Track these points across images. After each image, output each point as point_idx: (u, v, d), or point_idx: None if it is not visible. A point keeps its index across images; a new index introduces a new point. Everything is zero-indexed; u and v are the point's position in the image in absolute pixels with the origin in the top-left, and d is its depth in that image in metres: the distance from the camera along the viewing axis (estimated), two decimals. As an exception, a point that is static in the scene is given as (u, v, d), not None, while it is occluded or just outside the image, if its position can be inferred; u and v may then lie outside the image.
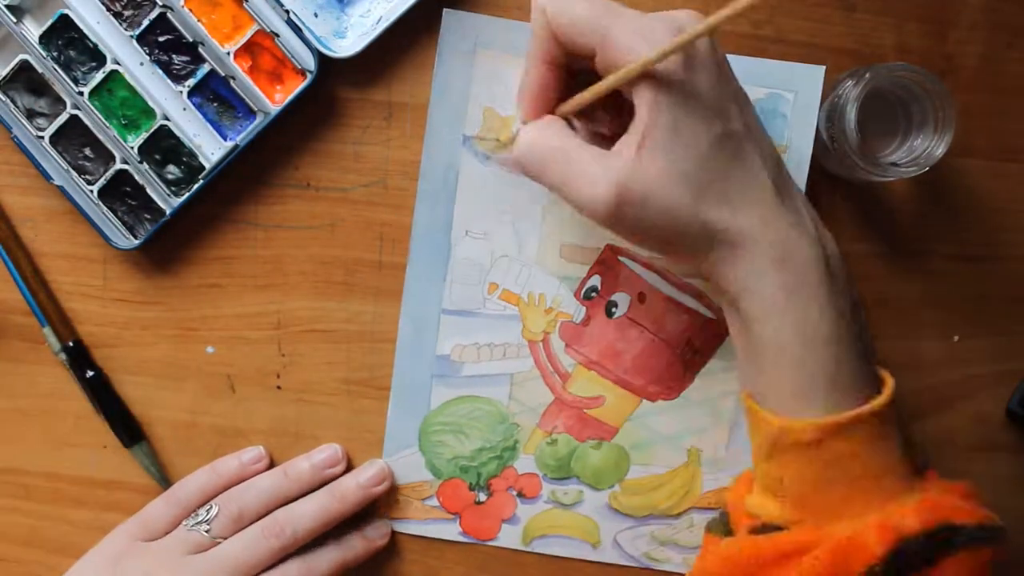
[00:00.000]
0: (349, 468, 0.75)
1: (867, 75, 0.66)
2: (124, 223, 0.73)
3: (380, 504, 0.75)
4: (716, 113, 0.59)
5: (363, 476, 0.74)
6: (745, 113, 0.61)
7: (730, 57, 0.71)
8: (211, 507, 0.71)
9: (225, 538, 0.71)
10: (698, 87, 0.58)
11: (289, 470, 0.73)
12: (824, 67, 0.72)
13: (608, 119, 0.65)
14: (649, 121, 0.58)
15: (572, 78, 0.63)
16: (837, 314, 0.60)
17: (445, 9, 0.72)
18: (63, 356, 0.74)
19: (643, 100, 0.58)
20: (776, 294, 0.60)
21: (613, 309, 0.74)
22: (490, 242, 0.73)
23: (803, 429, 0.60)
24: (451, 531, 0.75)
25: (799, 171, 0.72)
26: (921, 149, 0.68)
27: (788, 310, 0.60)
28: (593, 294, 0.74)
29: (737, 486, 0.67)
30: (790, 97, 0.72)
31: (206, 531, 0.70)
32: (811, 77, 0.72)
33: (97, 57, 0.72)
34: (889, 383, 0.63)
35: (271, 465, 0.75)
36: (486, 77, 0.73)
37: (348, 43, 0.72)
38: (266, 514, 0.72)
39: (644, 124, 0.58)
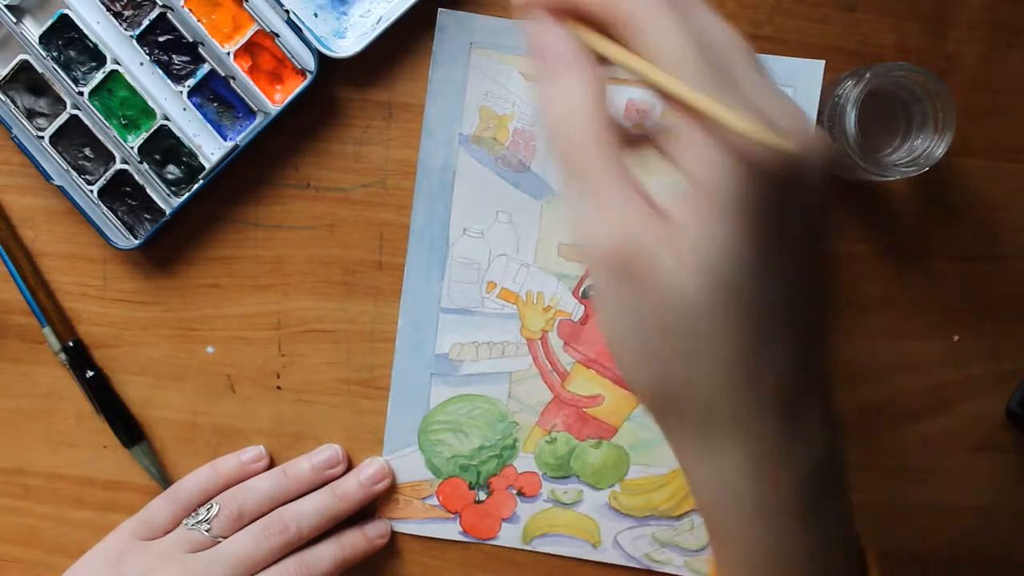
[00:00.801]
0: (350, 468, 0.75)
1: (867, 75, 0.66)
2: (124, 223, 0.73)
3: (380, 503, 0.75)
4: (784, 264, 0.42)
5: (364, 474, 0.74)
6: (813, 282, 0.44)
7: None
8: (212, 506, 0.71)
9: (225, 537, 0.71)
10: (791, 220, 0.42)
11: (289, 470, 0.74)
12: (823, 62, 0.72)
13: None
14: (724, 221, 0.40)
15: None
16: (816, 542, 0.47)
17: (440, 9, 0.72)
18: (63, 356, 0.74)
19: (721, 180, 0.40)
20: (746, 530, 0.46)
21: (612, 307, 0.74)
22: (488, 241, 0.73)
23: None
24: (451, 530, 0.75)
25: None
26: (921, 149, 0.68)
27: (755, 545, 0.46)
28: (592, 292, 0.74)
29: None
30: (789, 93, 0.72)
31: (206, 530, 0.70)
32: (810, 72, 0.73)
33: (97, 57, 0.72)
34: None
35: (271, 464, 0.75)
36: (482, 76, 0.73)
37: (348, 43, 0.72)
38: (266, 513, 0.72)
39: (714, 219, 0.40)
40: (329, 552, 0.72)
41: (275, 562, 0.71)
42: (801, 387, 0.44)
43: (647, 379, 0.44)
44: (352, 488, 0.73)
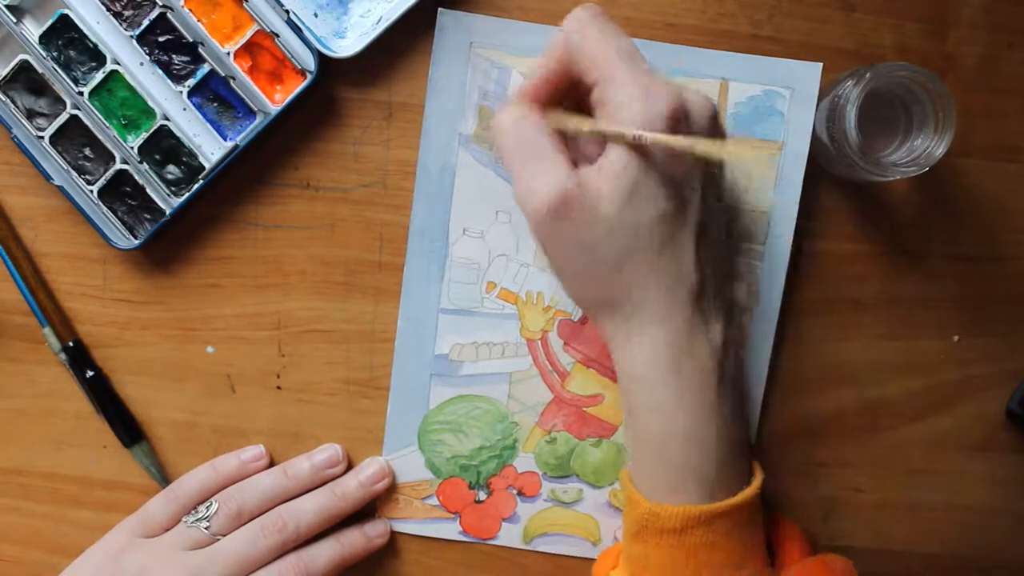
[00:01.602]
0: (350, 468, 0.75)
1: (867, 75, 0.66)
2: (124, 223, 0.73)
3: (380, 503, 0.75)
4: (675, 193, 0.60)
5: (363, 474, 0.74)
6: (705, 206, 0.62)
7: (726, 54, 0.72)
8: (211, 504, 0.71)
9: (224, 535, 0.71)
10: (671, 166, 0.60)
11: (289, 469, 0.74)
12: (821, 64, 0.72)
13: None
14: (615, 170, 0.59)
15: (573, 89, 0.64)
16: (719, 420, 0.63)
17: (440, 9, 0.72)
18: (63, 356, 0.74)
19: (617, 150, 0.59)
20: (665, 396, 0.62)
21: (612, 308, 0.74)
22: (487, 241, 0.73)
23: (669, 516, 0.62)
24: (451, 530, 0.75)
25: (796, 169, 0.72)
26: (921, 149, 0.68)
27: (673, 414, 0.62)
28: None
29: (603, 560, 0.69)
30: (786, 94, 0.72)
31: (205, 528, 0.71)
32: (808, 73, 0.72)
33: (97, 57, 0.72)
34: (758, 477, 0.65)
35: (271, 464, 0.75)
36: (481, 76, 0.73)
37: (348, 43, 0.72)
38: (265, 512, 0.72)
39: (610, 171, 0.59)
40: (328, 551, 0.72)
41: (273, 560, 0.71)
42: (701, 283, 0.62)
43: (592, 294, 0.63)
44: (352, 488, 0.73)
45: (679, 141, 0.57)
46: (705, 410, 0.62)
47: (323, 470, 0.74)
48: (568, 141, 0.63)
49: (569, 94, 0.64)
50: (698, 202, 0.61)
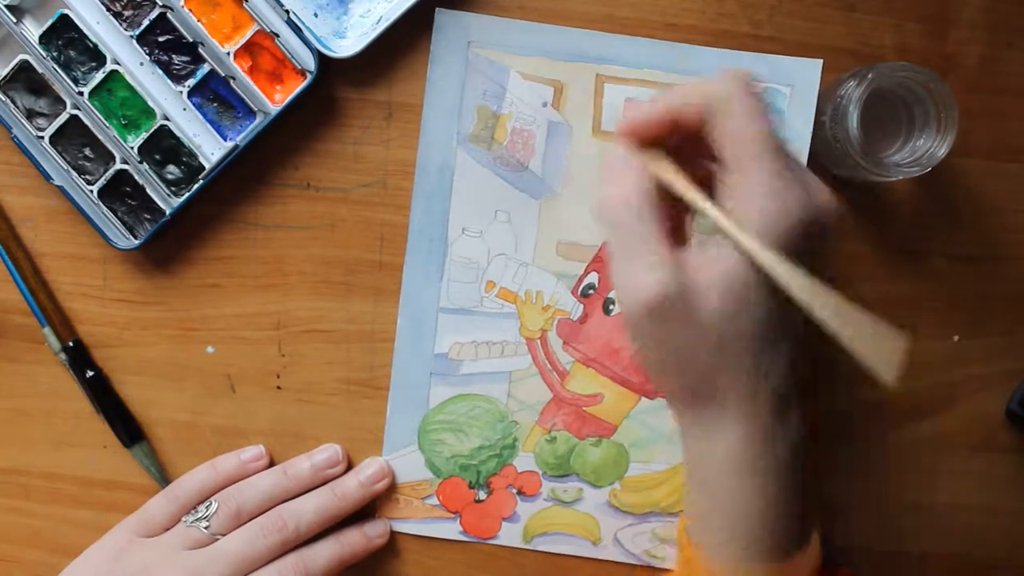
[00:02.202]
0: (350, 468, 0.75)
1: (869, 75, 0.66)
2: (124, 223, 0.73)
3: (380, 503, 0.75)
4: (782, 301, 0.54)
5: (363, 474, 0.74)
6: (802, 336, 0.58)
7: (725, 52, 0.72)
8: (211, 503, 0.71)
9: (224, 535, 0.71)
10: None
11: (289, 469, 0.74)
12: (821, 60, 0.72)
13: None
14: (722, 274, 0.53)
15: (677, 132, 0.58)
16: (787, 499, 0.59)
17: (437, 8, 0.72)
18: (63, 356, 0.74)
19: (728, 248, 0.53)
20: (737, 483, 0.58)
21: (611, 306, 0.74)
22: (486, 240, 0.73)
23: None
24: (451, 530, 0.75)
25: (796, 168, 0.72)
26: (923, 149, 0.68)
27: (744, 497, 0.58)
28: (591, 291, 0.74)
29: None
30: (787, 92, 0.72)
31: (205, 527, 0.71)
32: (808, 71, 0.72)
33: (97, 57, 0.72)
34: (815, 544, 0.62)
35: (271, 464, 0.75)
36: (480, 76, 0.73)
37: (348, 43, 0.72)
38: (265, 512, 0.72)
39: (717, 275, 0.53)
40: (327, 551, 0.72)
41: (273, 560, 0.71)
42: (788, 387, 0.57)
43: (675, 385, 0.58)
44: (351, 487, 0.73)
45: (793, 278, 0.52)
46: (776, 490, 0.58)
47: (323, 470, 0.74)
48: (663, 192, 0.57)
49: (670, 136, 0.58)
50: (795, 332, 0.57)
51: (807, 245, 0.53)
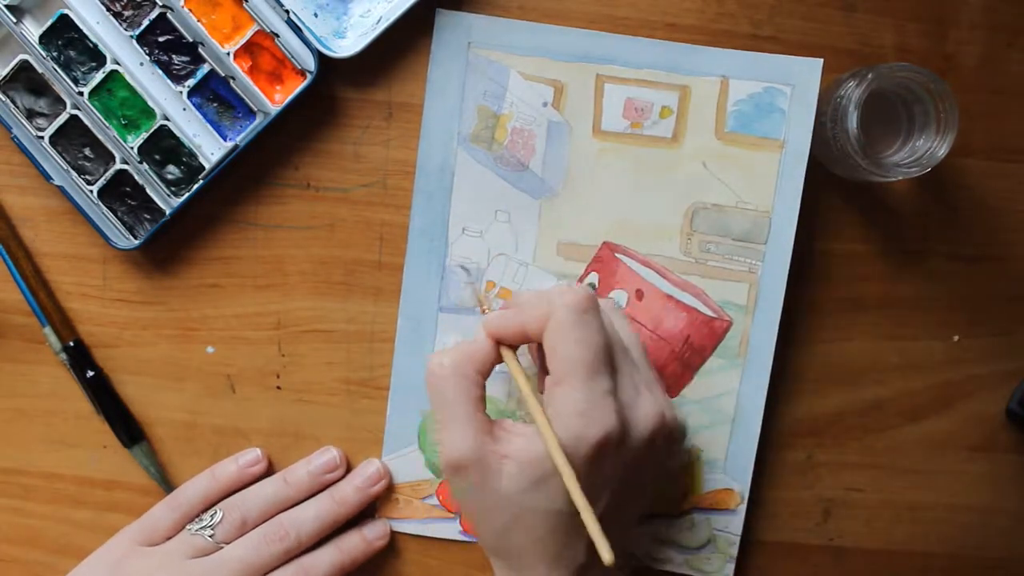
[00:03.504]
0: (349, 470, 0.75)
1: (869, 76, 0.66)
2: (124, 223, 0.73)
3: (380, 503, 0.75)
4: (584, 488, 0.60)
5: (360, 478, 0.74)
6: (614, 499, 0.62)
7: (726, 51, 0.72)
8: (216, 512, 0.72)
9: (228, 543, 0.71)
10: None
11: (289, 476, 0.74)
12: (821, 60, 0.72)
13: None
14: (526, 459, 0.60)
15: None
16: None
17: (438, 9, 0.72)
18: (63, 356, 0.74)
19: (535, 441, 0.60)
20: None
21: (611, 307, 0.74)
22: (486, 240, 0.73)
23: None
24: (451, 530, 0.75)
25: (797, 167, 0.72)
26: (923, 150, 0.68)
27: None
28: (593, 290, 0.74)
29: None
30: (787, 91, 0.72)
31: (210, 535, 0.71)
32: (808, 70, 0.72)
33: (97, 57, 0.72)
34: None
35: (270, 466, 0.75)
36: (480, 76, 0.73)
37: (348, 43, 0.72)
38: (268, 520, 0.72)
39: (519, 457, 0.60)
40: (328, 557, 0.73)
41: (276, 568, 0.71)
42: (586, 566, 0.62)
43: (492, 542, 0.64)
44: (349, 492, 0.74)
45: (576, 497, 0.58)
46: None
47: (322, 475, 0.74)
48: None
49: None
50: (607, 496, 0.62)
51: (604, 463, 0.60)
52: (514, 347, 0.64)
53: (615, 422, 0.59)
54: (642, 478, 0.65)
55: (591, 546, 0.59)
